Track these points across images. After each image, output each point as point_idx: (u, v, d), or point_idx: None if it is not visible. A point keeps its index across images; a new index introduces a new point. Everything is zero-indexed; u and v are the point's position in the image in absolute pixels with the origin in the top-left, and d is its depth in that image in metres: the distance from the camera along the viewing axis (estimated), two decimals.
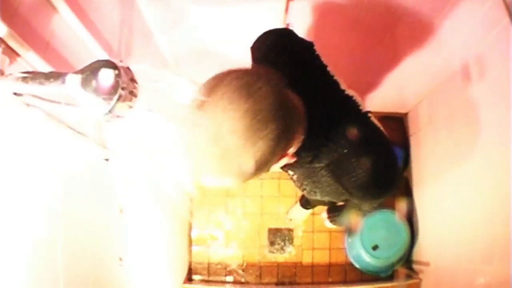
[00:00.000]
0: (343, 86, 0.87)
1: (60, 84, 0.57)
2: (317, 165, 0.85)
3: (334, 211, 1.49)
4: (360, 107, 0.85)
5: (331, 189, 0.91)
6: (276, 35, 0.94)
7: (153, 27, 1.51)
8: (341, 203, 1.43)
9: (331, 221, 1.54)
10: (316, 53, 0.89)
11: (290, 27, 1.33)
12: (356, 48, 1.71)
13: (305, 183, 0.98)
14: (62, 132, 0.83)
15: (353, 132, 0.79)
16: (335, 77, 0.87)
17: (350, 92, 0.86)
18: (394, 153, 0.87)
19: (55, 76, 0.58)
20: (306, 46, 0.90)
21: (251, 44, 0.96)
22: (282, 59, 0.86)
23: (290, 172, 1.03)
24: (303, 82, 0.76)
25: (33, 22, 0.76)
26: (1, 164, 0.68)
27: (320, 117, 0.75)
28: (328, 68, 0.87)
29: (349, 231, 2.15)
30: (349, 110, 0.84)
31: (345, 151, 0.79)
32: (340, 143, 0.79)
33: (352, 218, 1.25)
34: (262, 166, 0.62)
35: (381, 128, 0.88)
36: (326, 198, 1.05)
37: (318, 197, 1.03)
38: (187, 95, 0.90)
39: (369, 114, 0.86)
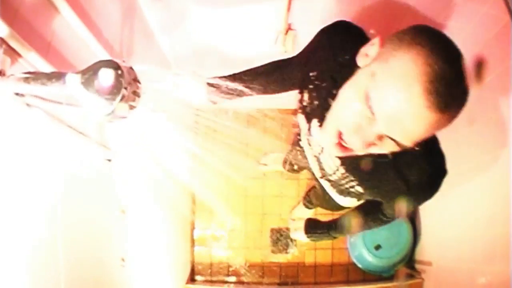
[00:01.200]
0: None
1: (62, 85, 0.56)
2: (383, 159, 0.80)
3: (316, 228, 1.36)
4: None
5: (382, 185, 0.89)
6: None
7: (154, 27, 1.51)
8: (325, 220, 1.36)
9: (307, 234, 1.36)
10: None
11: (292, 28, 1.33)
12: None
13: (352, 177, 0.94)
14: (64, 132, 0.83)
15: None
16: None
17: None
18: None
19: (57, 76, 0.57)
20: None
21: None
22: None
23: (337, 164, 0.96)
24: None
25: (35, 22, 0.76)
26: (2, 164, 0.68)
27: None
28: None
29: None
30: None
31: (416, 149, 0.76)
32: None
33: (353, 220, 1.22)
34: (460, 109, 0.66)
35: None
36: (364, 197, 1.02)
37: (355, 193, 0.98)
38: (191, 92, 0.89)
39: None
